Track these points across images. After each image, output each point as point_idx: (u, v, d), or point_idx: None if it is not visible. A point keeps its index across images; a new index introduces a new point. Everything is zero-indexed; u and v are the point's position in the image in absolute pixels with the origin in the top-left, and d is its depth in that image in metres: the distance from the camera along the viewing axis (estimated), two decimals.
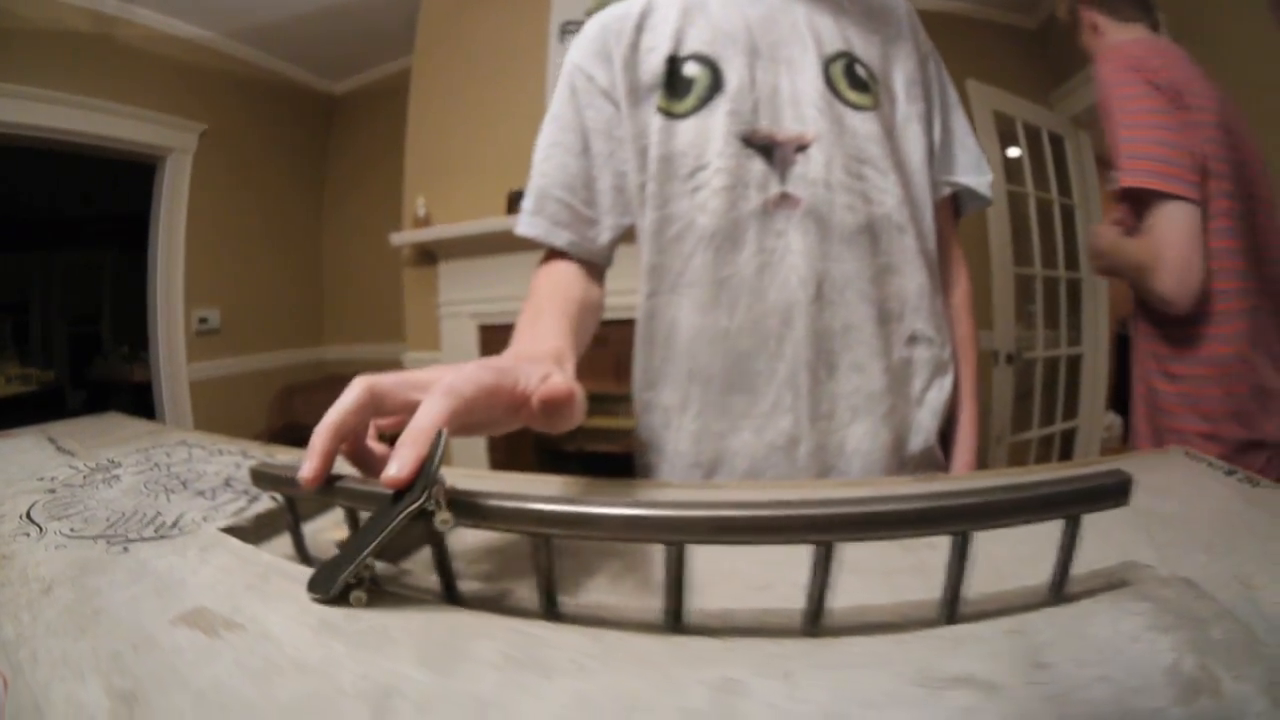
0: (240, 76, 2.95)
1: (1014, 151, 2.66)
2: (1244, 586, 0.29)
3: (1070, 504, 0.25)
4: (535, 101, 2.18)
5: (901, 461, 0.63)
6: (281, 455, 0.52)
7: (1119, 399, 2.86)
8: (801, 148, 0.59)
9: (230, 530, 0.31)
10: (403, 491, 0.25)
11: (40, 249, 4.40)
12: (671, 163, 0.61)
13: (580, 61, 0.65)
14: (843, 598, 0.25)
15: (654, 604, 0.25)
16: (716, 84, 0.61)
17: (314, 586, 0.26)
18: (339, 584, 0.25)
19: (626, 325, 0.68)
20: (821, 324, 0.59)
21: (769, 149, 0.59)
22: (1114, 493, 0.24)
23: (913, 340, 0.63)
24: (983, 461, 0.77)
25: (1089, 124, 2.83)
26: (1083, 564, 0.27)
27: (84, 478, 0.45)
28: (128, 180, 2.69)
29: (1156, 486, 0.44)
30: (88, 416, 0.75)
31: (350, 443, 0.32)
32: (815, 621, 0.24)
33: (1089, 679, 0.20)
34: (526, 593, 0.27)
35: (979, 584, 0.25)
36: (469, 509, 0.25)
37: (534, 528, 0.25)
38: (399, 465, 0.25)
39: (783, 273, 0.59)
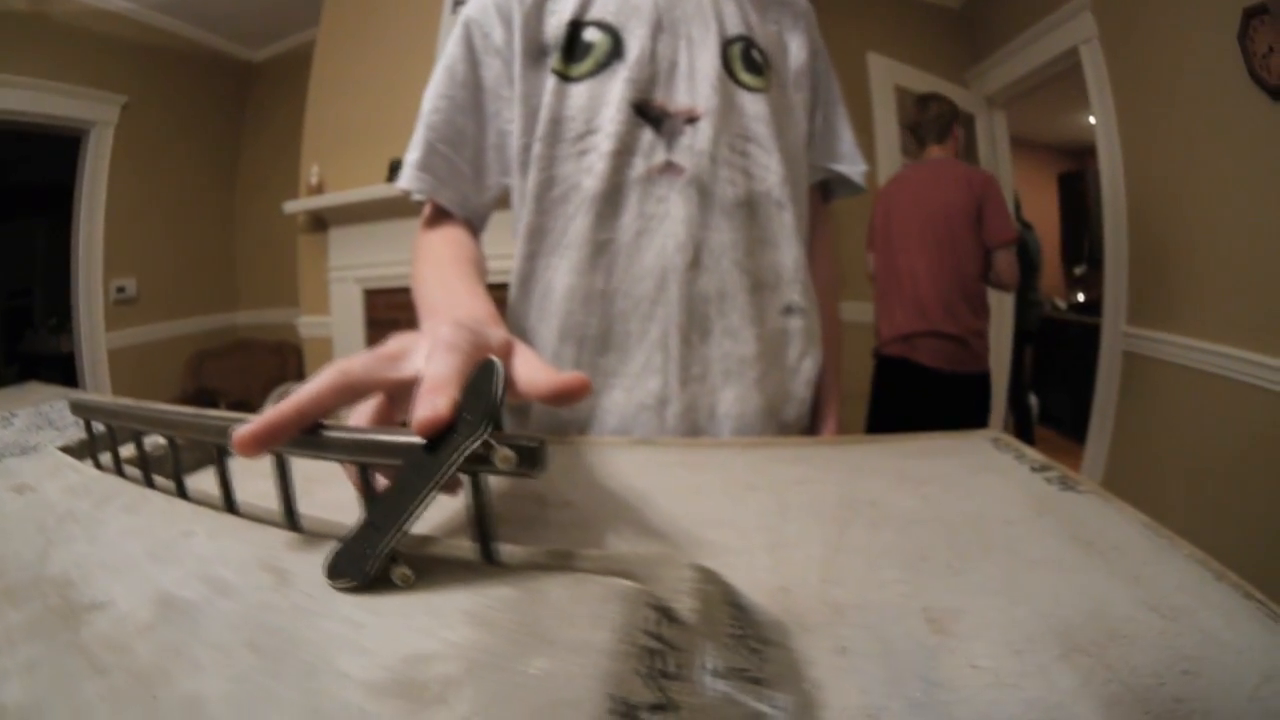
0: (161, 47, 2.97)
1: None
2: (929, 626, 0.23)
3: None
4: (424, 71, 2.23)
5: (777, 428, 0.65)
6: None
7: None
8: (691, 120, 0.61)
9: (63, 448, 0.50)
10: (434, 443, 0.23)
11: None
12: (561, 125, 0.62)
13: (479, 17, 0.65)
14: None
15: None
16: (616, 51, 0.61)
17: (339, 573, 0.23)
18: (376, 563, 0.22)
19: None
20: (696, 289, 0.60)
21: (660, 119, 0.61)
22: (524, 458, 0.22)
23: (788, 311, 0.65)
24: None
25: (1005, 104, 2.97)
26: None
27: None
28: (55, 152, 2.73)
29: (916, 475, 0.39)
30: (11, 387, 0.90)
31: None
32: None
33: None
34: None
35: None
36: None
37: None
38: (433, 406, 0.23)
39: (660, 238, 0.60)
